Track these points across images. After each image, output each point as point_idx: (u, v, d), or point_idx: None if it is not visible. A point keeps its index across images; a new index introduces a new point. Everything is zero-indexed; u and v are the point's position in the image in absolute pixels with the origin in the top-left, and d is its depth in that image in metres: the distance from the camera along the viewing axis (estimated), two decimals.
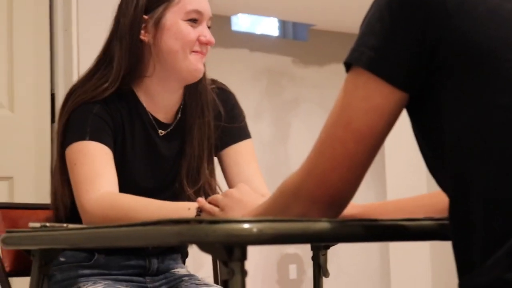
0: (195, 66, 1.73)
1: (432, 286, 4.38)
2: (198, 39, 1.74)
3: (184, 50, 1.72)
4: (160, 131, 1.78)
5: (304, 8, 6.03)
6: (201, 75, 1.76)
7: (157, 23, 1.72)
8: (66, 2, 2.89)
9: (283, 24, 6.77)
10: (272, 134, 6.39)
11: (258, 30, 6.71)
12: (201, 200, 1.50)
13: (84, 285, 1.71)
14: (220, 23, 5.73)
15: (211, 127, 1.80)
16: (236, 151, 1.82)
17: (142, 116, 1.76)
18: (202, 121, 1.79)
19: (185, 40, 1.72)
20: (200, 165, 1.78)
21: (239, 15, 6.38)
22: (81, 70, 2.78)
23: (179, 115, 1.81)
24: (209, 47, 1.77)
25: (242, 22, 6.59)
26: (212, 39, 1.75)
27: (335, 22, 6.40)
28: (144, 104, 1.77)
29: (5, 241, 1.35)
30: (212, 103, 1.81)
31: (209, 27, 1.78)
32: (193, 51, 1.74)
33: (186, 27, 1.73)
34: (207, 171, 1.80)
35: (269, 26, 6.76)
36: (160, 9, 1.72)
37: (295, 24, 6.72)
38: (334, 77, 6.37)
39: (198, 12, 1.74)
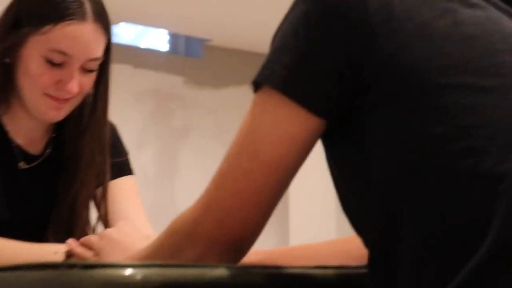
0: (46, 113, 1.67)
1: None
2: (56, 83, 1.65)
3: (33, 91, 1.66)
4: (21, 163, 1.74)
5: (199, 20, 6.07)
6: (56, 120, 1.71)
7: (16, 47, 1.65)
8: None
9: (173, 38, 6.80)
10: (157, 168, 6.36)
11: (144, 44, 6.70)
12: (71, 242, 1.47)
13: None
14: None
15: (104, 169, 1.76)
16: (115, 186, 1.80)
17: (3, 142, 1.73)
18: (85, 162, 1.75)
19: (35, 82, 1.65)
20: (74, 215, 1.75)
21: (122, 24, 6.35)
22: None
23: (49, 149, 1.78)
24: (83, 93, 1.68)
25: (125, 33, 6.57)
26: (73, 89, 1.63)
27: (233, 37, 6.47)
28: (8, 129, 1.74)
29: None
30: (107, 141, 1.77)
31: (89, 71, 1.67)
32: (48, 95, 1.66)
33: (39, 67, 1.63)
34: (83, 220, 1.77)
35: (157, 40, 6.77)
36: (24, 31, 1.64)
37: (187, 38, 6.76)
38: (231, 101, 6.43)
39: (62, 53, 1.62)
